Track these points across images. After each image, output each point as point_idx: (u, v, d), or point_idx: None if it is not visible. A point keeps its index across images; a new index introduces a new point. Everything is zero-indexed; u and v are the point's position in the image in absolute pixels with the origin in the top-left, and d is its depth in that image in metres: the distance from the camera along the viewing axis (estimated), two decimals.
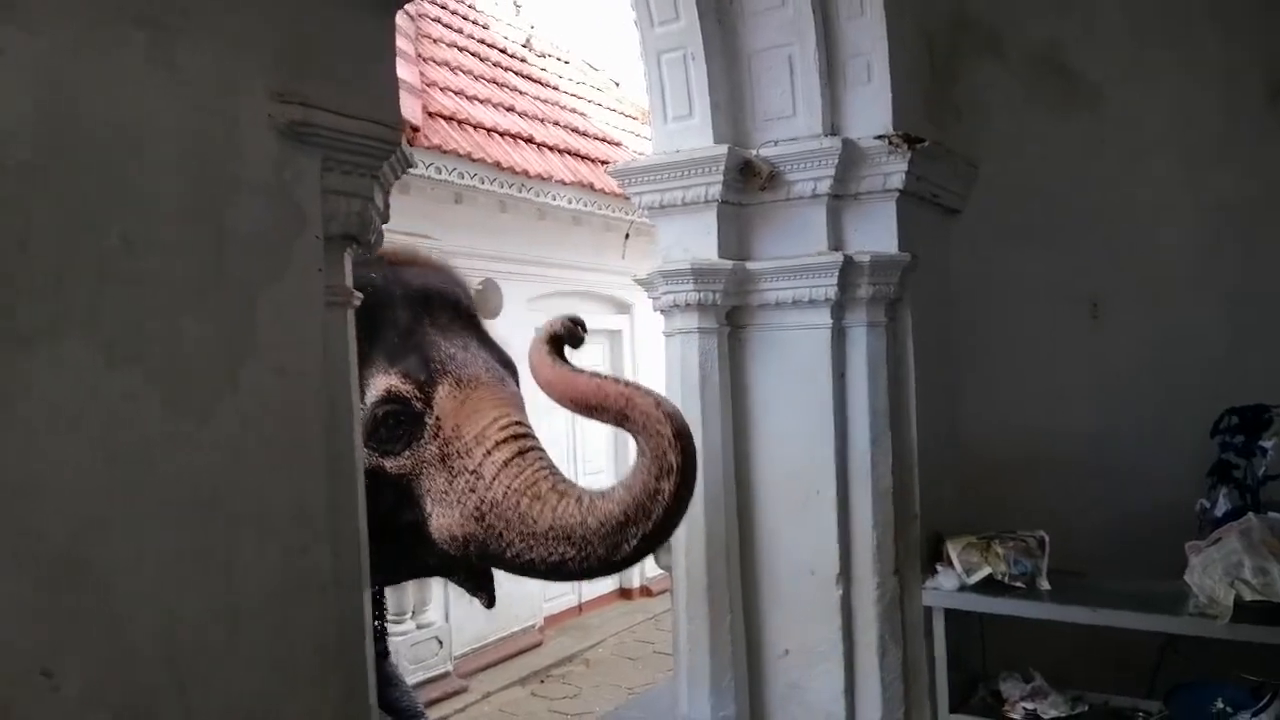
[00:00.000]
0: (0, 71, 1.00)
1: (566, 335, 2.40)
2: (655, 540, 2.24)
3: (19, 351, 1.00)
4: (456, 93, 6.76)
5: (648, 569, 8.63)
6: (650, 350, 8.81)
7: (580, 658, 7.29)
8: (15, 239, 1.00)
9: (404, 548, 2.46)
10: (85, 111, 1.08)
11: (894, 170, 3.40)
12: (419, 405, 2.38)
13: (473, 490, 2.31)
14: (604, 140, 8.37)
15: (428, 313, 2.60)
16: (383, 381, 2.37)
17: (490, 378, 2.56)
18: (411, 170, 5.48)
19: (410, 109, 5.62)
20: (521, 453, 2.36)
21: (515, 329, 7.19)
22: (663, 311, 3.72)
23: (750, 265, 3.56)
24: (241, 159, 1.23)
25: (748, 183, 3.55)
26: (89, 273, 1.07)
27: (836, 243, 3.52)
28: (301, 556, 1.28)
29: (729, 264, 3.50)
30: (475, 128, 6.36)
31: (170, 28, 1.17)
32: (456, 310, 2.71)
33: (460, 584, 2.68)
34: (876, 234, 3.48)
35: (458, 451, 2.36)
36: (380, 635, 3.39)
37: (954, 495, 3.84)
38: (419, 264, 2.81)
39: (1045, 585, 3.33)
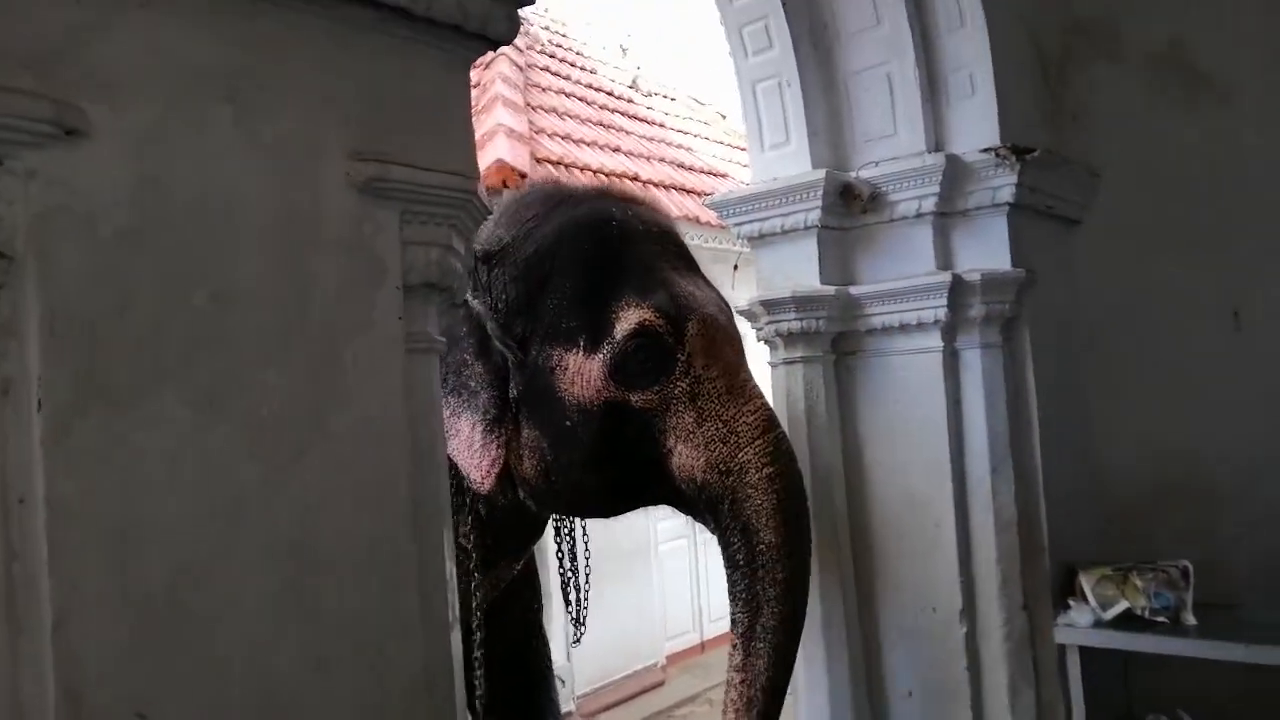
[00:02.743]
0: (96, 149, 1.07)
1: None
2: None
3: (117, 410, 1.06)
4: (564, 137, 6.91)
5: None
6: (761, 382, 8.71)
7: (703, 697, 7.17)
8: (113, 304, 1.07)
9: (642, 480, 2.52)
10: (176, 181, 1.15)
11: (1003, 183, 3.27)
12: (670, 341, 2.39)
13: (723, 442, 2.36)
14: (709, 173, 8.38)
15: (664, 250, 2.62)
16: (635, 315, 2.38)
17: (725, 319, 2.59)
18: None
19: (519, 156, 5.78)
20: (780, 440, 2.42)
21: None
22: (766, 342, 3.68)
23: (854, 290, 3.47)
24: (322, 216, 1.29)
25: (848, 206, 3.48)
26: (181, 333, 1.13)
27: (945, 262, 3.40)
28: (389, 600, 1.30)
29: (832, 290, 3.43)
30: (582, 170, 6.48)
31: (252, 98, 1.23)
32: (682, 250, 2.74)
33: (700, 521, 2.67)
34: (988, 251, 3.34)
35: (708, 393, 2.40)
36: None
37: (1086, 525, 3.61)
38: (644, 203, 2.84)
39: (1191, 620, 3.07)
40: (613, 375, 2.38)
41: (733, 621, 2.46)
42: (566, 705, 6.45)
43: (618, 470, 2.53)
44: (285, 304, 1.24)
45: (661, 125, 9.06)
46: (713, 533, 2.54)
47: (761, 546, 2.34)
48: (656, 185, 7.26)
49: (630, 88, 9.67)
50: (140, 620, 1.06)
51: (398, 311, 1.35)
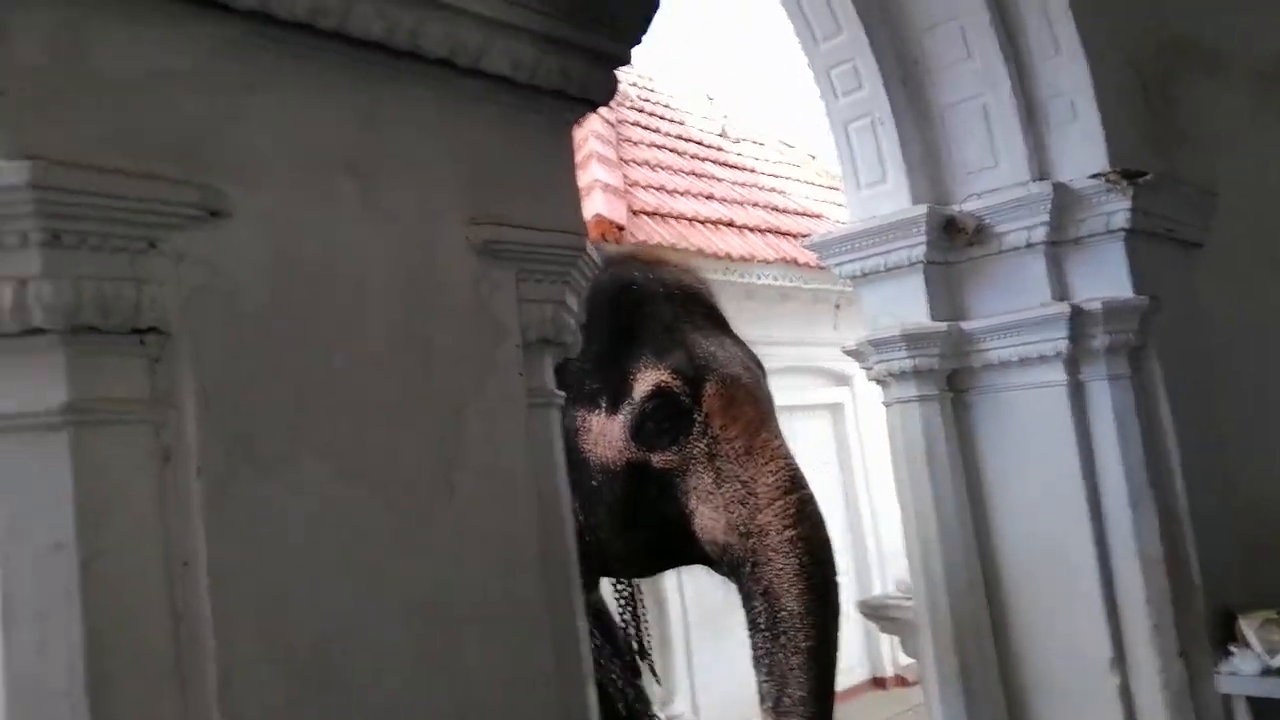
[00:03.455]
0: (235, 228, 1.14)
1: None
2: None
3: (265, 475, 1.11)
4: (658, 189, 7.02)
5: (900, 656, 8.14)
6: (875, 422, 8.52)
7: None
8: (257, 374, 1.13)
9: (667, 540, 2.50)
10: (307, 254, 1.21)
11: (1116, 209, 3.14)
12: (687, 401, 2.40)
13: (742, 503, 2.33)
14: (804, 214, 8.36)
15: (686, 311, 2.62)
16: (652, 376, 2.41)
17: (749, 378, 2.55)
18: None
19: (615, 210, 5.89)
20: (803, 502, 2.35)
21: None
22: (878, 381, 3.60)
23: (966, 325, 3.38)
24: (443, 280, 1.33)
25: (953, 240, 3.40)
26: (319, 398, 1.18)
27: (1061, 292, 3.28)
28: (523, 654, 1.31)
29: (943, 326, 3.34)
30: (677, 219, 6.55)
31: (372, 171, 1.30)
32: (710, 310, 2.73)
33: (719, 573, 2.61)
34: (1106, 279, 3.21)
35: (726, 454, 2.38)
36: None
37: (1241, 562, 3.37)
38: (671, 265, 2.86)
39: None
40: (633, 436, 2.40)
41: (760, 694, 2.35)
42: None
43: (644, 531, 2.52)
44: (412, 366, 1.28)
45: (752, 170, 9.10)
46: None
47: (784, 613, 2.28)
48: (751, 229, 7.27)
49: (719, 135, 9.76)
50: (294, 680, 1.09)
51: (518, 368, 1.38)
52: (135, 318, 1.05)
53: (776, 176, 9.33)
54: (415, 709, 1.21)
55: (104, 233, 1.05)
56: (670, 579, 6.34)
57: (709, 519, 2.37)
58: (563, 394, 1.55)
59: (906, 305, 3.45)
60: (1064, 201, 3.18)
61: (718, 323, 2.74)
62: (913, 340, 3.33)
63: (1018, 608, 3.32)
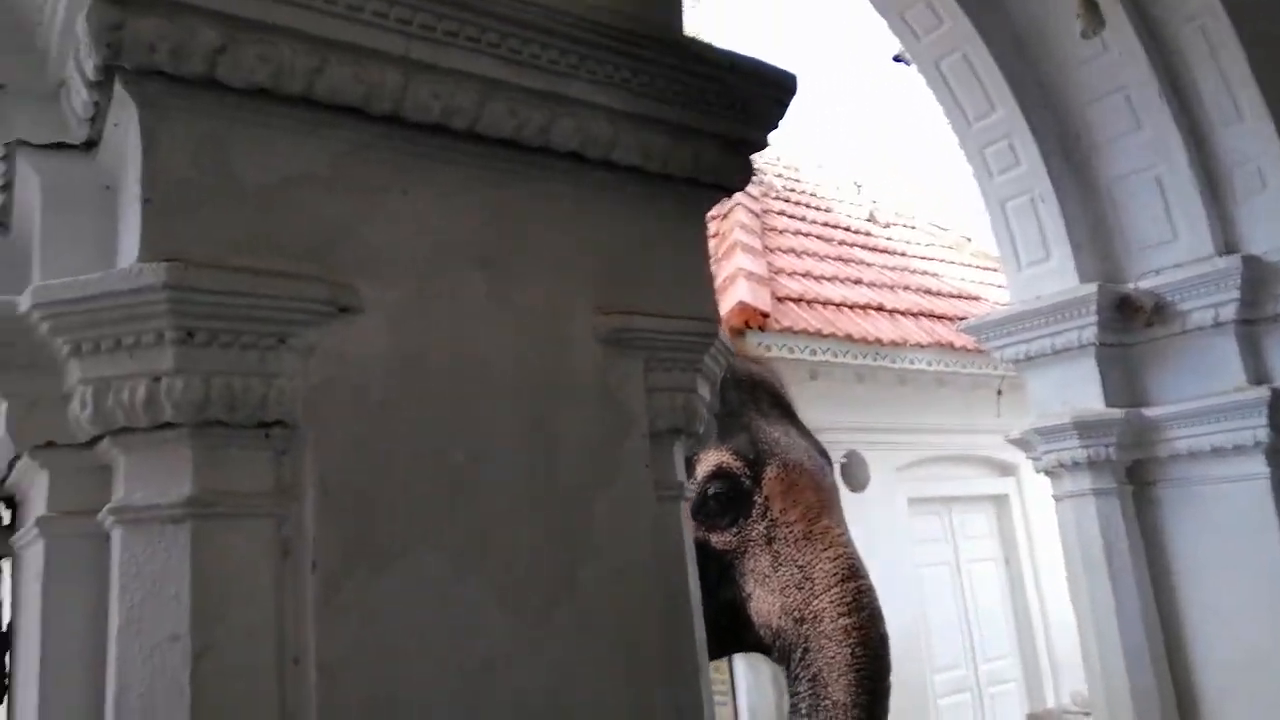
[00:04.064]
0: (365, 323, 1.15)
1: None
2: None
3: (380, 569, 1.09)
4: (803, 275, 6.92)
5: None
6: (1043, 515, 7.93)
7: None
8: (378, 467, 1.12)
9: (724, 624, 2.44)
10: (434, 347, 1.21)
11: None
12: (747, 483, 2.46)
13: (799, 588, 2.34)
14: (960, 296, 8.01)
15: (753, 398, 2.69)
16: (714, 457, 2.45)
17: (812, 464, 2.60)
18: (766, 354, 5.61)
19: (760, 297, 5.83)
20: (860, 592, 2.34)
21: (885, 499, 6.90)
22: (1048, 473, 3.35)
23: (1148, 412, 3.09)
24: (569, 371, 1.30)
25: (1128, 320, 3.14)
26: (438, 491, 1.15)
27: (1257, 375, 2.96)
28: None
29: (1120, 413, 3.07)
30: (824, 305, 6.41)
31: (503, 265, 1.29)
32: (777, 399, 2.80)
33: (772, 659, 2.63)
34: None
35: (784, 538, 2.41)
36: None
37: None
38: (744, 356, 2.94)
39: None
40: (694, 515, 2.36)
41: None
42: None
43: (706, 613, 2.53)
44: (536, 458, 1.24)
45: (903, 254, 8.86)
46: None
47: (828, 702, 2.24)
48: (903, 314, 7.03)
49: (868, 220, 9.60)
50: None
51: (645, 460, 1.32)
52: (262, 411, 1.06)
53: (929, 259, 9.03)
54: None
55: (235, 329, 1.08)
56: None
57: (765, 602, 2.38)
58: (691, 486, 1.47)
59: (1078, 390, 3.20)
60: (1257, 276, 2.89)
61: (785, 411, 2.79)
62: (1086, 428, 3.07)
63: None
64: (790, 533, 2.41)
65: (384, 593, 1.08)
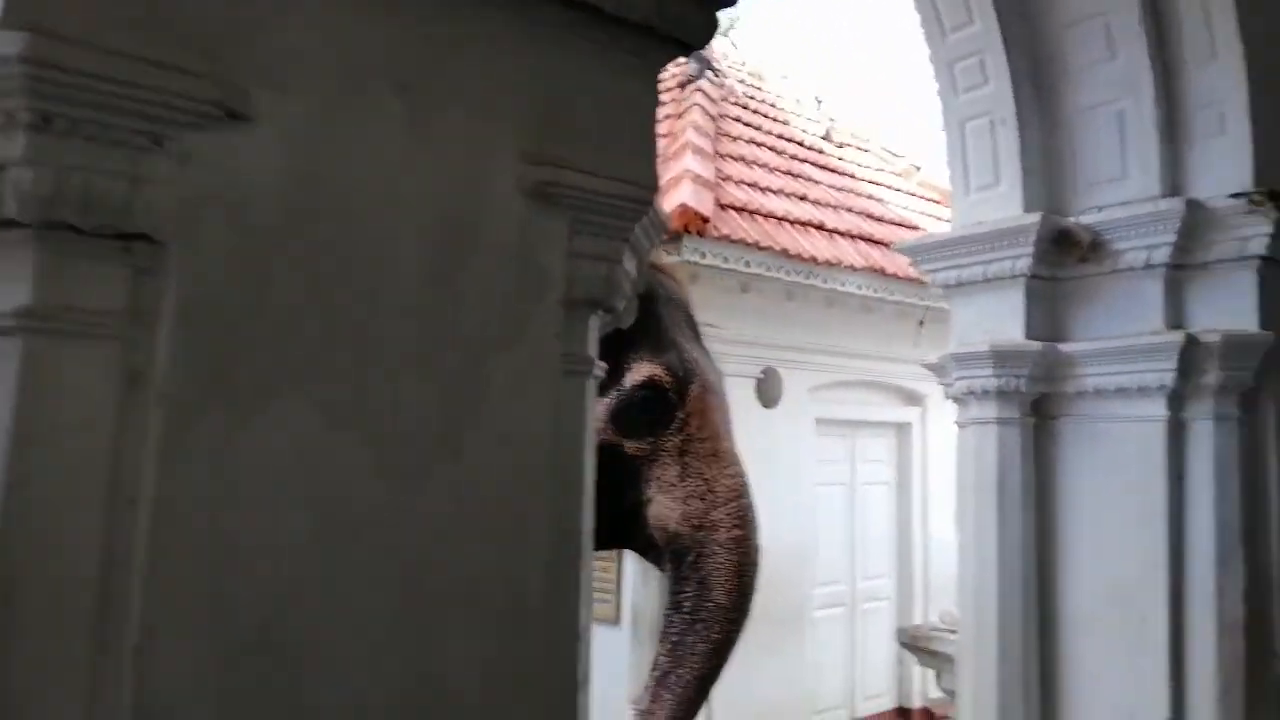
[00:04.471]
0: (257, 134, 1.01)
1: None
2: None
3: (241, 410, 0.98)
4: (750, 185, 6.80)
5: (930, 688, 7.81)
6: (943, 446, 8.18)
7: None
8: (253, 297, 1.00)
9: (618, 522, 2.60)
10: (336, 173, 1.07)
11: (1254, 233, 2.84)
12: (673, 398, 2.57)
13: (700, 499, 2.53)
14: (901, 224, 8.02)
15: (677, 316, 2.80)
16: (647, 369, 2.56)
17: (721, 388, 2.77)
18: (700, 261, 5.52)
19: (703, 201, 5.70)
20: (750, 508, 2.57)
21: (794, 418, 7.00)
22: (956, 399, 3.37)
23: (1065, 347, 3.11)
24: (485, 220, 1.18)
25: (1064, 254, 3.13)
26: (320, 333, 1.04)
27: (1175, 320, 2.99)
28: (512, 648, 1.15)
29: (1037, 346, 3.09)
30: (765, 217, 6.33)
31: (427, 94, 1.15)
32: (691, 320, 2.92)
33: (659, 568, 2.88)
34: (1230, 310, 2.91)
35: (695, 452, 2.56)
36: None
37: None
38: (662, 269, 3.05)
39: None
40: (613, 419, 2.54)
41: (654, 664, 2.56)
42: None
43: (600, 510, 2.76)
44: (433, 311, 1.12)
45: (852, 176, 8.79)
46: (666, 577, 2.68)
47: (710, 604, 2.48)
48: (842, 234, 7.01)
49: (823, 139, 9.45)
50: (233, 647, 0.95)
51: (556, 328, 1.22)
52: (124, 220, 0.92)
53: (877, 185, 8.98)
54: (373, 694, 1.05)
55: (103, 121, 0.92)
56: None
57: (665, 508, 2.53)
58: (604, 365, 1.39)
59: (1001, 321, 3.21)
60: (1196, 221, 2.89)
61: (696, 333, 2.95)
62: (1003, 358, 3.09)
63: (1073, 655, 3.07)
64: (701, 449, 2.56)
65: (242, 438, 0.97)
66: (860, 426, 7.97)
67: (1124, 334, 3.02)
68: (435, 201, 1.15)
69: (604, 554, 6.56)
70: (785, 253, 6.04)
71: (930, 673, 7.04)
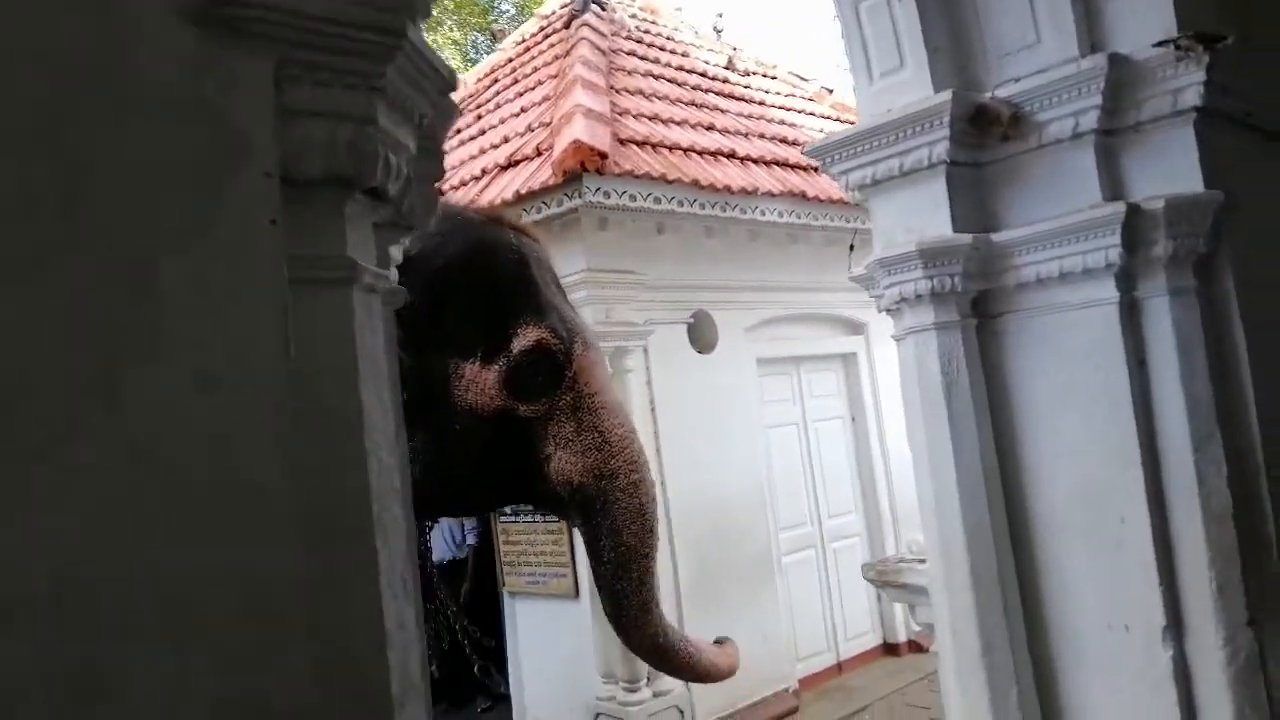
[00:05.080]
0: None
1: None
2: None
3: None
4: (650, 118, 6.41)
5: (913, 620, 7.66)
6: (888, 372, 7.97)
7: None
8: None
9: (518, 482, 2.79)
10: None
11: (1187, 83, 2.55)
12: (562, 359, 2.68)
13: (598, 450, 2.65)
14: None
15: (550, 279, 2.92)
16: (534, 334, 2.64)
17: (597, 343, 2.92)
18: (605, 202, 5.15)
19: (598, 136, 5.31)
20: (641, 452, 2.76)
21: (734, 361, 6.70)
22: (889, 311, 3.08)
23: (998, 237, 2.82)
24: (130, 60, 0.79)
25: (983, 134, 2.82)
26: None
27: (1114, 191, 2.70)
28: (258, 678, 0.79)
29: (968, 238, 2.79)
30: (670, 149, 5.95)
31: None
32: (558, 280, 3.03)
33: (564, 518, 3.11)
34: (1170, 171, 2.62)
35: (588, 408, 2.68)
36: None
37: None
38: (524, 230, 3.12)
39: None
40: (505, 385, 2.64)
41: (605, 611, 2.82)
42: None
43: (498, 472, 2.78)
44: (57, 199, 0.74)
45: (761, 103, 8.44)
46: (578, 529, 2.82)
47: (623, 548, 2.65)
48: (756, 161, 6.66)
49: (725, 68, 9.08)
50: None
51: (268, 212, 0.84)
52: None
53: (788, 110, 8.64)
54: None
55: None
56: (665, 547, 5.86)
57: (567, 463, 2.66)
58: (386, 275, 1.01)
59: (925, 217, 2.90)
60: (1121, 78, 2.59)
61: (565, 292, 3.05)
62: (931, 256, 2.79)
63: (1050, 568, 2.81)
64: (593, 403, 2.70)
65: None
66: (804, 361, 7.70)
67: (1060, 213, 2.73)
68: (59, 32, 0.77)
69: (553, 527, 6.28)
70: (697, 184, 5.66)
71: None
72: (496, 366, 2.64)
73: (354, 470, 0.90)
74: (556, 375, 2.66)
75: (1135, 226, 2.60)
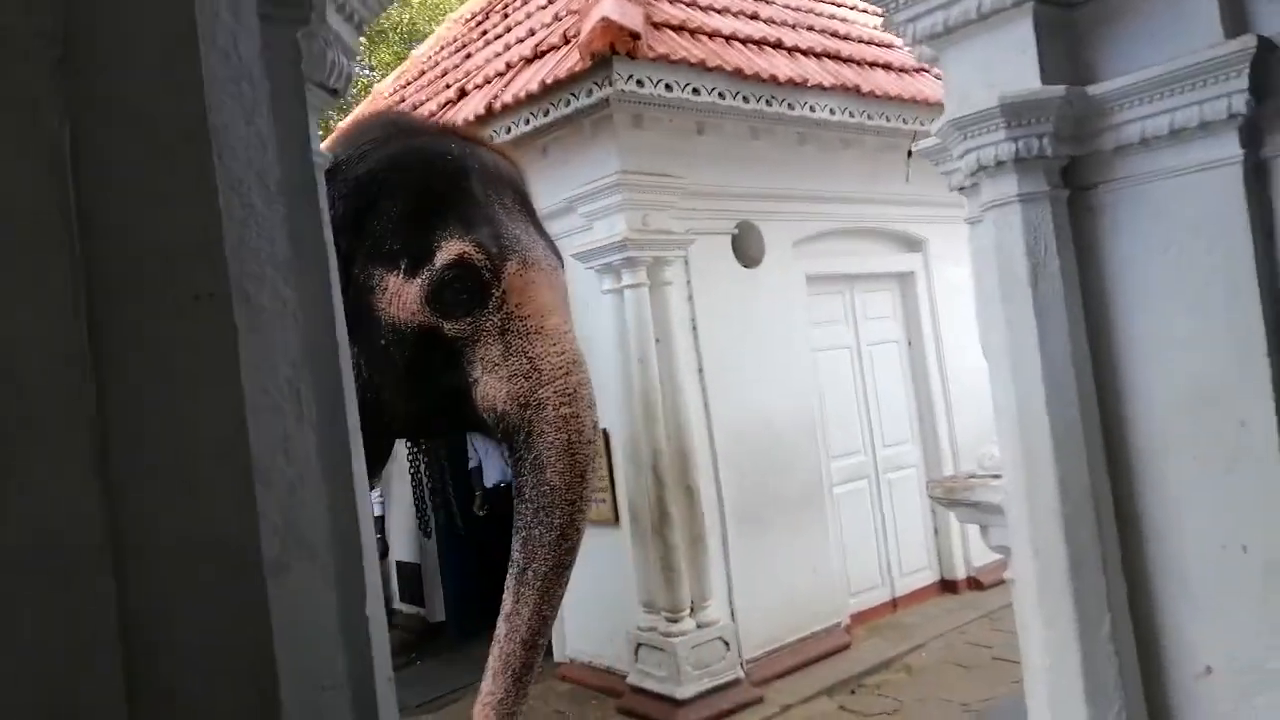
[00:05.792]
0: None
1: None
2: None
3: None
4: (688, 2, 5.88)
5: (974, 555, 7.28)
6: (948, 293, 7.47)
7: (899, 664, 6.12)
8: None
9: (447, 405, 2.66)
10: None
11: None
12: (487, 275, 2.55)
13: (525, 377, 2.50)
14: (871, 43, 7.07)
15: (498, 192, 2.73)
16: (457, 246, 2.49)
17: (548, 264, 2.73)
18: (639, 91, 4.69)
19: (630, 15, 4.82)
20: (580, 385, 2.55)
21: (781, 276, 6.28)
22: (962, 189, 2.66)
23: (1094, 89, 2.37)
24: None
25: None
26: None
27: (1236, 26, 2.23)
28: None
29: (1060, 90, 2.35)
30: (711, 36, 5.44)
31: None
32: (519, 195, 2.87)
33: (492, 440, 2.90)
34: None
35: (517, 330, 2.51)
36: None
37: None
38: (489, 146, 3.00)
39: None
40: (428, 301, 2.54)
41: (511, 561, 2.52)
42: (734, 672, 5.65)
43: (426, 394, 2.70)
44: None
45: None
46: (508, 463, 2.62)
47: (546, 488, 2.46)
48: (805, 53, 6.10)
49: None
50: None
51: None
52: None
53: (839, 5, 8.00)
54: None
55: None
56: (706, 475, 5.56)
57: (491, 388, 2.53)
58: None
59: (1009, 67, 2.45)
60: None
61: (527, 209, 2.89)
62: (1016, 112, 2.35)
63: (1153, 483, 2.42)
64: (523, 326, 2.54)
65: None
66: (857, 280, 7.22)
67: (1171, 56, 2.26)
68: None
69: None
70: (740, 74, 5.15)
71: (973, 539, 6.53)
72: (419, 280, 2.52)
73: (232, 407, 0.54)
74: (482, 293, 2.53)
75: (1266, 66, 2.14)
